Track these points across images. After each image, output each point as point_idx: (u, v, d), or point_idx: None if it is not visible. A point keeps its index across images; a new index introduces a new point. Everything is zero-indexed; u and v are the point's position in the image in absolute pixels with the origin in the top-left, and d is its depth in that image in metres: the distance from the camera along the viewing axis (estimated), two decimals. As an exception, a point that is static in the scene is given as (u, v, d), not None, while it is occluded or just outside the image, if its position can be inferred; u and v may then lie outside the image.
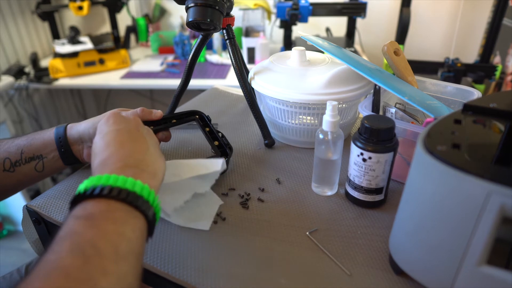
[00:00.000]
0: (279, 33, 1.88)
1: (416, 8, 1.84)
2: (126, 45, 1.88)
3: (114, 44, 1.76)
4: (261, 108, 0.69)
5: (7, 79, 1.55)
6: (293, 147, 0.70)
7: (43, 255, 0.29)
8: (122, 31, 1.90)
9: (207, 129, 0.66)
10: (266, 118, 0.70)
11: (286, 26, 1.65)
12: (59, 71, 1.66)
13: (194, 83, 1.49)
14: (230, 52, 0.67)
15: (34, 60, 1.70)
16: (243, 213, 0.53)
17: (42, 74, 1.69)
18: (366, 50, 1.94)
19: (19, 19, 1.87)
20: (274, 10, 1.72)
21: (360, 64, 0.61)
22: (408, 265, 0.40)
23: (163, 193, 0.49)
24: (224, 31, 0.67)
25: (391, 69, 0.64)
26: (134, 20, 1.92)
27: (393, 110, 0.59)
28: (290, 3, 1.58)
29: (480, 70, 1.53)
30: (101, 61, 1.72)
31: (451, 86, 0.62)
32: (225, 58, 1.80)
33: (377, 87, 0.57)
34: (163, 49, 1.96)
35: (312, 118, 0.65)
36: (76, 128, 0.56)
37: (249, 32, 1.73)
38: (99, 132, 0.44)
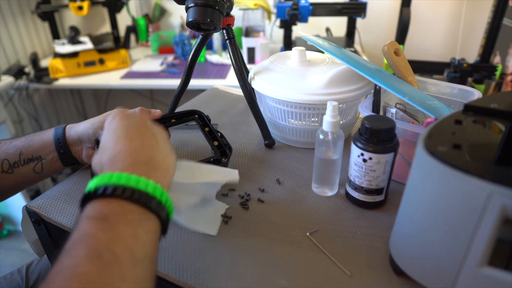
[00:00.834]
0: (279, 33, 1.88)
1: (416, 8, 1.84)
2: (126, 45, 1.88)
3: (114, 44, 1.76)
4: (261, 108, 0.69)
5: (7, 79, 1.55)
6: (293, 147, 0.70)
7: (58, 258, 0.29)
8: (122, 31, 1.90)
9: (207, 129, 0.66)
10: (266, 118, 0.70)
11: (286, 26, 1.65)
12: (59, 71, 1.66)
13: (194, 83, 1.48)
14: (230, 52, 0.67)
15: (34, 60, 1.70)
16: (243, 214, 0.53)
17: (42, 74, 1.69)
18: (366, 50, 1.94)
19: (19, 19, 1.87)
20: (274, 10, 1.72)
21: (360, 64, 0.61)
22: (408, 266, 0.40)
23: (175, 191, 0.49)
24: (224, 31, 0.67)
25: (391, 69, 0.63)
26: (134, 20, 1.92)
27: (393, 110, 0.59)
28: (290, 3, 1.58)
29: (480, 70, 1.53)
30: (101, 61, 1.72)
31: (451, 87, 0.62)
32: (225, 58, 1.80)
33: (377, 87, 0.57)
34: (163, 49, 1.96)
35: (312, 118, 0.65)
36: (75, 129, 0.56)
37: (249, 32, 1.73)
38: (107, 129, 0.43)
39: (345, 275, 0.43)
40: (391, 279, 0.42)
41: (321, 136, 0.52)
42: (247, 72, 0.73)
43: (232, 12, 0.67)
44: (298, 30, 1.79)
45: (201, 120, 0.68)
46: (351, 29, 1.79)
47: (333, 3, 1.65)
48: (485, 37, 1.58)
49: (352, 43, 1.78)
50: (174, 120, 0.66)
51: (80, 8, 1.65)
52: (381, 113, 0.60)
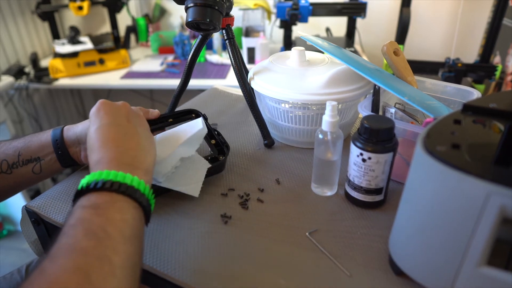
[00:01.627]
0: (279, 33, 1.88)
1: (416, 8, 1.84)
2: (126, 45, 1.88)
3: (114, 44, 1.76)
4: (261, 108, 0.69)
5: (7, 79, 1.55)
6: (293, 147, 0.70)
7: (57, 240, 0.33)
8: (122, 31, 1.90)
9: None
10: (266, 118, 0.70)
11: (286, 26, 1.65)
12: (59, 71, 1.66)
13: (194, 83, 1.49)
14: (230, 52, 0.67)
15: (34, 60, 1.70)
16: (242, 214, 0.53)
17: (42, 74, 1.69)
18: (366, 50, 1.94)
19: (19, 19, 1.87)
20: (274, 10, 1.72)
21: (359, 64, 0.61)
22: (408, 266, 0.40)
23: (156, 164, 0.51)
24: (224, 31, 0.67)
25: (391, 69, 0.63)
26: (134, 20, 1.92)
27: (392, 110, 0.59)
28: (290, 3, 1.58)
29: (480, 70, 1.53)
30: (101, 61, 1.72)
31: (450, 86, 0.62)
32: (225, 58, 1.80)
33: (376, 87, 0.57)
34: (163, 49, 1.96)
35: (311, 118, 0.65)
36: (73, 130, 0.56)
37: (249, 32, 1.73)
38: (92, 124, 0.46)
39: (344, 275, 0.43)
40: (391, 279, 0.42)
41: (320, 136, 0.52)
42: (247, 72, 0.73)
43: (232, 12, 0.67)
44: (298, 30, 1.79)
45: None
46: (351, 29, 1.79)
47: (333, 3, 1.65)
48: (485, 37, 1.58)
49: (352, 43, 1.78)
50: (171, 120, 0.66)
51: (80, 8, 1.65)
52: (380, 113, 0.60)
